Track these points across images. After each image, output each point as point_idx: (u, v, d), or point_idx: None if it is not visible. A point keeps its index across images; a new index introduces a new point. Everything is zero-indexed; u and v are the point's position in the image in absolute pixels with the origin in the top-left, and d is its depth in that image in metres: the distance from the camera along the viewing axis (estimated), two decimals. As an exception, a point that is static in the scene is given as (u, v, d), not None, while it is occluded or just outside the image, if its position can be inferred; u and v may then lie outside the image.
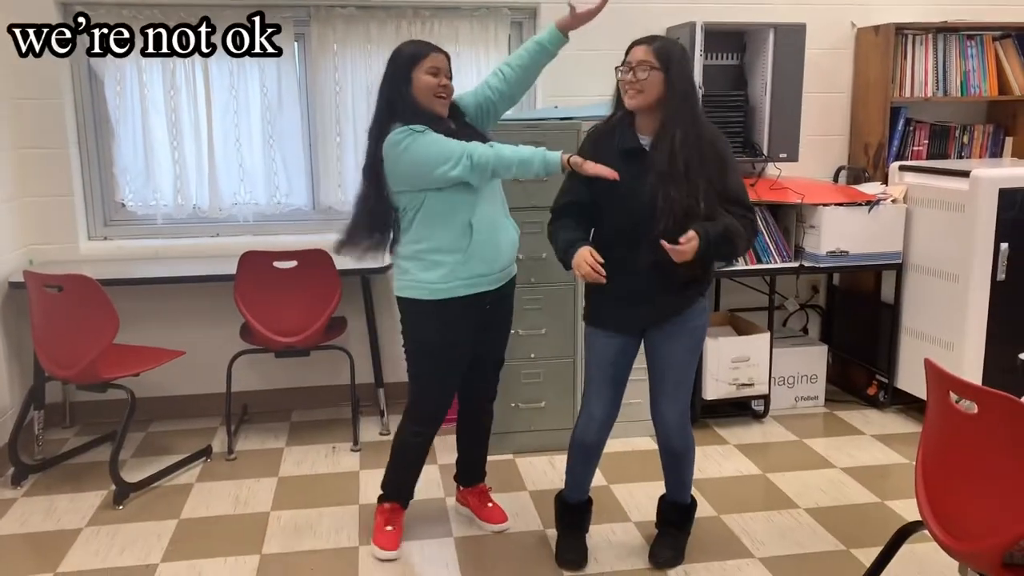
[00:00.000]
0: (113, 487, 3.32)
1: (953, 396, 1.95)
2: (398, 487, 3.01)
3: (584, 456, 2.83)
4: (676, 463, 2.81)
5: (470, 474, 3.20)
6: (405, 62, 2.71)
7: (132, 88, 4.01)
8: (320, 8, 4.06)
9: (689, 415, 2.76)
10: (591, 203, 2.66)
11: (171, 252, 4.14)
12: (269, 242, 4.12)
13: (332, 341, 3.84)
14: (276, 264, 3.65)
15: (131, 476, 3.46)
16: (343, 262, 3.69)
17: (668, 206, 2.46)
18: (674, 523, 2.91)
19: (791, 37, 4.01)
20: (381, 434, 3.98)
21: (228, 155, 4.16)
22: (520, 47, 2.94)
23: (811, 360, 4.26)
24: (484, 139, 2.79)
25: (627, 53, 2.56)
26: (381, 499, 3.02)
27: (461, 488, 3.23)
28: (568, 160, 2.58)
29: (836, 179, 4.50)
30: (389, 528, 2.96)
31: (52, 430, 4.02)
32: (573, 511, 2.92)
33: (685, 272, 2.52)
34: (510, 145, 2.65)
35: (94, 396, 3.67)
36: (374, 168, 2.71)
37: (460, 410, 3.13)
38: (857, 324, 4.42)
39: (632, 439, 3.81)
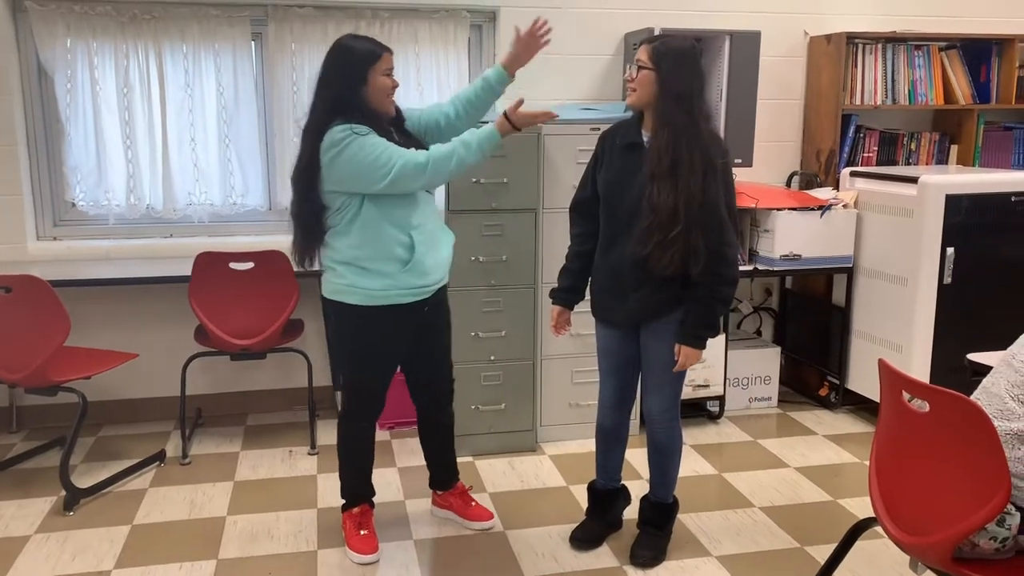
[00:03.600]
0: (63, 492, 3.24)
1: (906, 395, 2.00)
2: (358, 488, 2.99)
3: (603, 441, 2.96)
4: (660, 458, 2.87)
5: (444, 477, 3.19)
6: (361, 61, 2.67)
7: (84, 85, 3.92)
8: (278, 8, 4.02)
9: (676, 412, 2.82)
10: (594, 185, 2.78)
11: (123, 253, 4.06)
12: (224, 243, 4.05)
13: (289, 344, 3.80)
14: (232, 265, 3.60)
15: (82, 481, 3.38)
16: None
17: (650, 204, 2.52)
18: (655, 523, 2.94)
19: (746, 44, 4.08)
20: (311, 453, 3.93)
21: (183, 154, 4.09)
22: (470, 84, 2.98)
23: (765, 362, 4.34)
24: (422, 148, 2.79)
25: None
26: (346, 506, 2.99)
27: (438, 492, 3.20)
28: (506, 115, 2.64)
29: (789, 184, 4.59)
30: (363, 532, 2.94)
31: (-2, 435, 3.92)
32: (597, 496, 3.03)
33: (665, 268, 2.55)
34: (457, 139, 2.65)
35: (42, 400, 3.58)
36: (309, 171, 2.66)
37: (420, 417, 3.13)
38: (809, 327, 4.51)
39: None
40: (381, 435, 3.88)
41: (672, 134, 2.51)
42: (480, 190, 3.53)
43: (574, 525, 3.10)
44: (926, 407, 1.93)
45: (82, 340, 3.75)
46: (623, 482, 3.06)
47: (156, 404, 4.12)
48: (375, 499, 3.04)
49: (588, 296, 2.89)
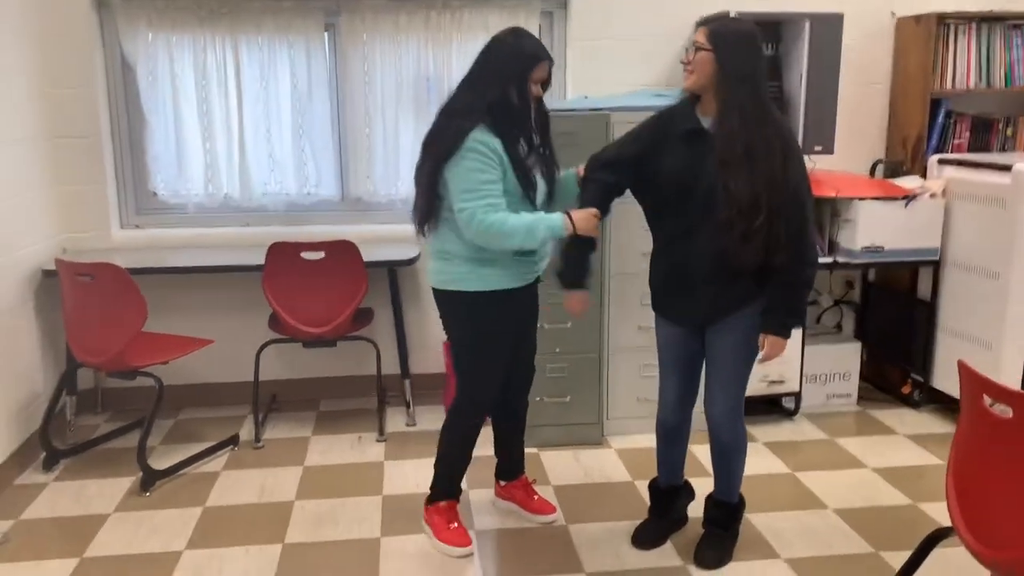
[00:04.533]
0: (141, 473, 3.35)
1: (987, 399, 1.89)
2: (451, 483, 2.97)
3: (664, 439, 2.88)
4: (724, 458, 2.77)
5: (511, 468, 3.18)
6: (524, 65, 2.61)
7: (164, 77, 4.04)
8: (350, -1, 4.05)
9: (740, 411, 2.72)
10: (629, 167, 2.65)
11: (202, 241, 4.17)
12: (298, 232, 4.11)
13: (359, 332, 3.84)
14: (304, 255, 3.66)
15: (159, 463, 3.49)
16: (368, 253, 3.72)
17: (727, 195, 2.41)
18: (720, 523, 2.85)
19: (827, 27, 3.92)
20: (407, 425, 3.97)
21: (258, 145, 4.17)
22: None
23: (844, 357, 4.18)
24: (553, 167, 2.81)
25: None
26: (432, 499, 2.97)
27: (502, 483, 3.19)
28: (571, 221, 2.59)
29: (873, 173, 4.40)
30: (454, 525, 2.93)
31: (84, 416, 4.08)
32: (659, 495, 2.96)
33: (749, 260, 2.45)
34: (522, 217, 2.59)
35: (125, 383, 3.71)
36: (450, 152, 2.58)
37: (498, 402, 3.08)
38: (892, 321, 4.32)
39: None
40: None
41: (741, 117, 2.40)
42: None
43: (637, 522, 3.04)
44: (1009, 413, 1.81)
45: (161, 326, 3.86)
46: (686, 478, 2.99)
47: (233, 389, 4.22)
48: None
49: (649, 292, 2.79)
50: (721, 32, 2.45)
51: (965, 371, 1.93)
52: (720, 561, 2.79)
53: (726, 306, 2.58)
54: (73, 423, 3.86)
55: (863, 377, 4.43)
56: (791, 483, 3.39)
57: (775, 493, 3.29)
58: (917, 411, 4.11)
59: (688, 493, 3.01)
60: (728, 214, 2.40)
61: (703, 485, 3.00)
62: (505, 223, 2.55)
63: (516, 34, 2.68)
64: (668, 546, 2.91)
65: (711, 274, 2.54)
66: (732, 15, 3.79)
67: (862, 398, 4.24)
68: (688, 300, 2.63)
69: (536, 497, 3.15)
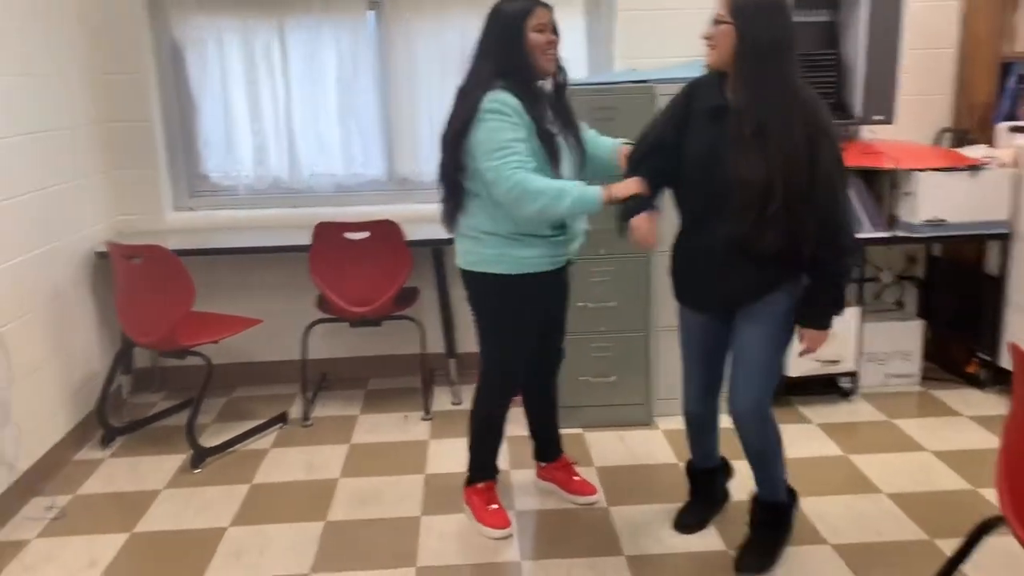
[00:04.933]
0: (191, 451, 3.43)
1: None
2: (487, 464, 2.96)
3: (692, 430, 2.78)
4: (757, 460, 2.58)
5: (549, 449, 3.15)
6: (515, 20, 2.54)
7: (213, 61, 4.09)
8: (394, -24, 4.03)
9: (766, 408, 2.50)
10: (674, 149, 2.46)
11: (253, 222, 4.22)
12: (346, 212, 4.11)
13: (404, 311, 3.84)
14: (347, 235, 3.67)
15: (211, 440, 3.57)
16: (414, 233, 3.71)
17: (736, 176, 2.27)
18: (768, 524, 2.65)
19: (888, -9, 3.73)
20: (453, 404, 3.98)
21: (306, 126, 4.20)
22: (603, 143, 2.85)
23: (905, 336, 4.01)
24: (575, 127, 2.72)
25: None
26: (470, 481, 2.96)
27: (543, 464, 3.17)
28: (609, 191, 2.48)
29: (938, 142, 4.20)
30: (494, 507, 2.91)
31: (142, 394, 4.19)
32: (696, 477, 2.88)
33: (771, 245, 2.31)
34: (560, 183, 2.50)
35: (182, 362, 3.78)
36: (462, 132, 2.54)
37: (526, 385, 3.05)
38: (958, 298, 4.13)
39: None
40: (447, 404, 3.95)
41: (755, 93, 2.24)
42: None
43: (680, 504, 2.98)
44: (1060, 397, 1.70)
45: (212, 306, 3.93)
46: (723, 456, 2.90)
47: (285, 367, 4.27)
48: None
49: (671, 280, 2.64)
50: (742, 2, 2.26)
51: (1018, 354, 1.82)
52: (763, 566, 2.61)
53: (746, 293, 2.42)
54: (129, 401, 3.97)
55: (927, 356, 4.26)
56: (844, 466, 3.27)
57: (826, 476, 3.19)
58: (983, 391, 3.94)
59: (726, 471, 2.93)
60: (741, 198, 2.26)
61: (743, 465, 2.91)
62: (534, 181, 2.45)
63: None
64: (711, 530, 2.84)
65: (729, 259, 2.38)
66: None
67: (925, 378, 4.07)
68: (706, 286, 2.50)
69: (576, 478, 3.11)
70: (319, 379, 4.25)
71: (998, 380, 3.92)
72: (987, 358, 3.92)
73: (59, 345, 3.49)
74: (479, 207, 2.62)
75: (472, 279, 2.71)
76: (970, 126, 4.07)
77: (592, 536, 2.84)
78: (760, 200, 2.24)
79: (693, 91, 2.48)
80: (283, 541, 2.85)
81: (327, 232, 3.65)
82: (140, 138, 4.07)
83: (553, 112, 2.66)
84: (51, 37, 3.56)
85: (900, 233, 3.75)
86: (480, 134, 2.50)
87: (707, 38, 2.35)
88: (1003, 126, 3.84)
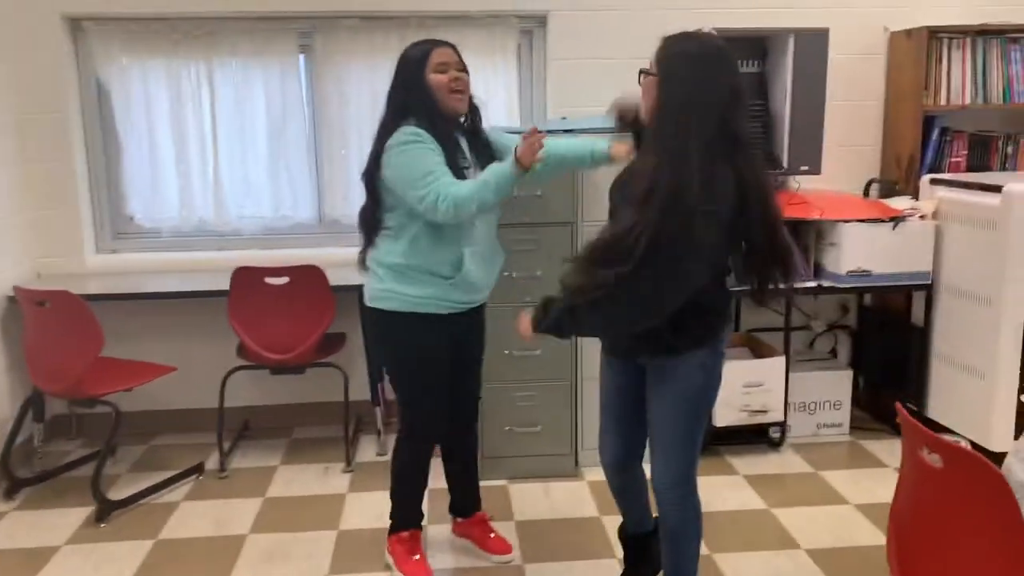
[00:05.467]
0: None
1: (924, 450, 1.74)
2: (408, 512, 2.89)
3: (614, 492, 2.58)
4: (670, 543, 2.38)
5: (466, 503, 3.08)
6: (414, 65, 2.58)
7: (138, 101, 4.02)
8: (324, 20, 4.00)
9: (687, 484, 2.31)
10: None
11: (177, 266, 4.13)
12: (274, 256, 4.03)
13: (328, 358, 3.76)
14: (268, 280, 3.59)
15: (123, 491, 3.45)
16: (344, 277, 3.64)
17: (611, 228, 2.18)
18: None
19: (813, 43, 3.78)
20: (378, 454, 3.88)
21: (233, 168, 4.13)
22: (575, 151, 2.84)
23: (834, 385, 4.01)
24: (494, 158, 2.68)
25: None
26: (394, 528, 2.89)
27: (459, 520, 3.09)
28: (516, 155, 2.39)
29: (867, 193, 4.24)
30: (416, 557, 2.85)
31: (58, 442, 4.04)
32: (630, 544, 2.68)
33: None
34: (487, 172, 2.48)
35: (97, 410, 3.65)
36: (373, 168, 2.57)
37: (443, 435, 2.97)
38: (887, 348, 4.14)
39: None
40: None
41: (656, 154, 2.07)
42: (514, 203, 3.36)
43: (599, 561, 2.92)
44: (940, 463, 1.67)
45: (132, 351, 3.82)
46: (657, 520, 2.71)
47: (208, 415, 4.11)
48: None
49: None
50: (668, 52, 2.12)
51: (903, 416, 1.79)
52: None
53: (643, 347, 2.25)
54: (43, 450, 3.83)
55: (860, 406, 4.27)
56: (766, 520, 3.23)
57: (746, 530, 3.14)
58: (912, 442, 3.92)
59: (650, 537, 2.70)
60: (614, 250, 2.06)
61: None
62: (459, 190, 2.42)
63: (412, 44, 2.65)
64: (624, 589, 2.77)
65: None
66: (707, 31, 3.69)
67: (855, 428, 4.06)
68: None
69: (493, 535, 3.03)
70: (241, 427, 4.14)
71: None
72: (914, 408, 3.92)
73: (-38, 393, 3.37)
74: (382, 239, 2.63)
75: (369, 315, 2.70)
76: (897, 177, 4.12)
77: (503, 596, 2.76)
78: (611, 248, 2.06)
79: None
80: (180, 602, 2.74)
81: (246, 277, 3.58)
82: (62, 179, 3.98)
83: (473, 153, 2.65)
84: (-35, 76, 3.48)
85: (825, 283, 3.75)
86: (400, 168, 2.49)
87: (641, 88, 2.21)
88: (925, 178, 3.88)
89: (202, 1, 3.87)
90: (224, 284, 3.65)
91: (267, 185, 4.16)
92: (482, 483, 3.41)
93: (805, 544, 3.03)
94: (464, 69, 2.62)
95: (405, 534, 2.87)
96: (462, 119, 2.67)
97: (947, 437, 1.77)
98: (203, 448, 3.95)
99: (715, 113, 2.05)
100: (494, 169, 2.47)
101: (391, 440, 3.83)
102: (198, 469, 3.69)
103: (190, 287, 3.80)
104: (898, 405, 1.82)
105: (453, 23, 4.05)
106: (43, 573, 2.92)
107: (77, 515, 3.33)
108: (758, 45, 3.99)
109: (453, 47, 2.62)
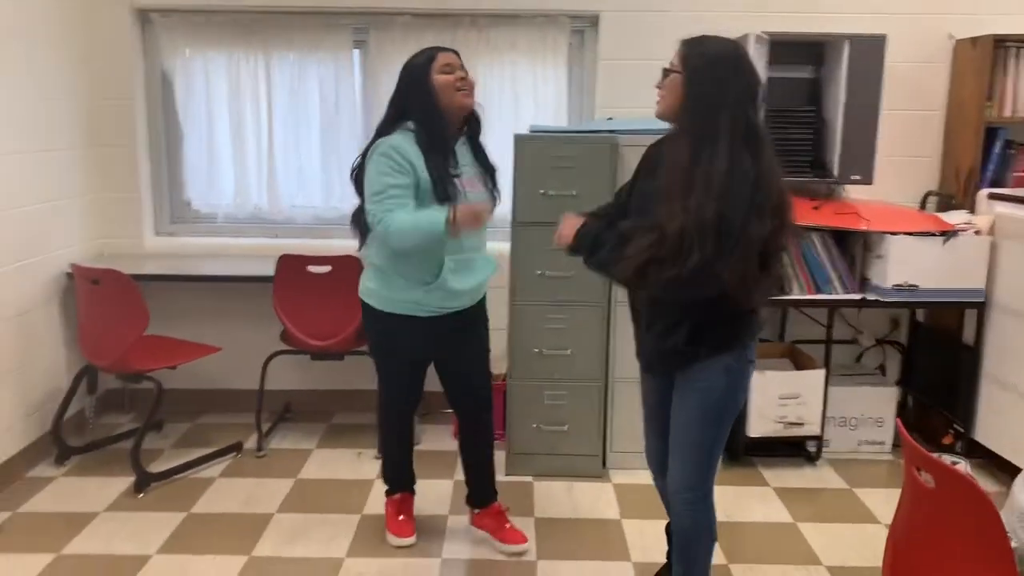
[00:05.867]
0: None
1: (916, 471, 1.70)
2: (396, 475, 3.12)
3: (658, 486, 2.58)
4: (682, 546, 2.41)
5: (480, 494, 3.12)
6: (419, 69, 2.69)
7: (199, 91, 4.17)
8: (379, 16, 4.08)
9: (702, 492, 2.33)
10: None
11: (230, 251, 4.27)
12: (322, 246, 4.13)
13: (366, 346, 3.83)
14: (310, 268, 3.69)
15: (165, 465, 3.59)
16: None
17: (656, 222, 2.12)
18: None
19: (869, 49, 3.68)
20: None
21: (287, 158, 4.25)
22: None
23: (878, 402, 3.89)
24: (491, 173, 2.84)
25: None
26: (388, 492, 3.12)
27: (475, 511, 3.14)
28: (453, 216, 2.54)
29: (924, 206, 4.10)
30: (401, 517, 3.08)
31: (111, 415, 4.23)
32: (671, 539, 2.63)
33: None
34: (419, 215, 2.58)
35: (149, 385, 3.79)
36: (358, 172, 2.74)
37: (459, 427, 3.09)
38: (938, 366, 4.00)
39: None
40: (448, 445, 3.86)
41: (691, 150, 2.09)
42: (547, 203, 3.39)
43: (613, 563, 2.91)
44: (932, 483, 1.62)
45: (182, 331, 3.96)
46: None
47: (253, 396, 4.27)
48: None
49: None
50: (696, 50, 2.17)
51: (901, 433, 1.75)
52: None
53: (665, 358, 2.29)
54: (92, 422, 4.00)
55: (908, 425, 4.12)
56: (790, 534, 3.16)
57: (769, 544, 3.08)
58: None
59: None
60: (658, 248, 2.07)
61: (644, 526, 2.82)
62: (397, 223, 2.56)
63: (417, 51, 2.74)
64: (635, 592, 2.76)
65: (647, 321, 2.31)
66: (754, 36, 3.63)
67: (899, 446, 3.92)
68: (639, 342, 2.40)
69: (508, 526, 3.06)
70: (282, 410, 4.25)
71: (973, 453, 3.76)
72: (962, 430, 3.78)
73: (20, 361, 3.55)
74: (372, 239, 2.76)
75: (362, 307, 2.85)
76: (955, 191, 3.98)
77: (511, 590, 2.78)
78: (668, 247, 2.06)
79: (655, 147, 2.39)
80: (201, 573, 2.84)
81: (290, 264, 3.68)
82: (125, 163, 4.16)
83: (475, 159, 2.75)
84: (43, 63, 3.67)
85: (870, 297, 3.65)
86: (368, 175, 2.64)
87: (658, 88, 2.25)
88: (982, 192, 3.74)
89: (262, -5, 4.00)
90: (272, 271, 3.76)
91: (319, 176, 4.27)
92: (507, 478, 3.48)
93: (827, 561, 2.97)
94: (465, 73, 2.71)
95: (396, 496, 3.10)
96: (462, 127, 2.77)
97: (947, 457, 1.72)
98: (245, 428, 4.07)
99: (741, 110, 2.12)
100: (430, 218, 2.56)
101: (427, 429, 3.96)
102: (236, 447, 3.81)
103: (240, 272, 3.92)
104: (898, 421, 1.77)
105: (505, 22, 4.08)
106: (80, 536, 3.07)
107: (119, 484, 3.48)
108: (814, 50, 3.91)
109: (457, 53, 2.72)
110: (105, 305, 3.43)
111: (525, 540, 3.02)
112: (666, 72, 2.23)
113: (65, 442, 3.67)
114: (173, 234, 4.36)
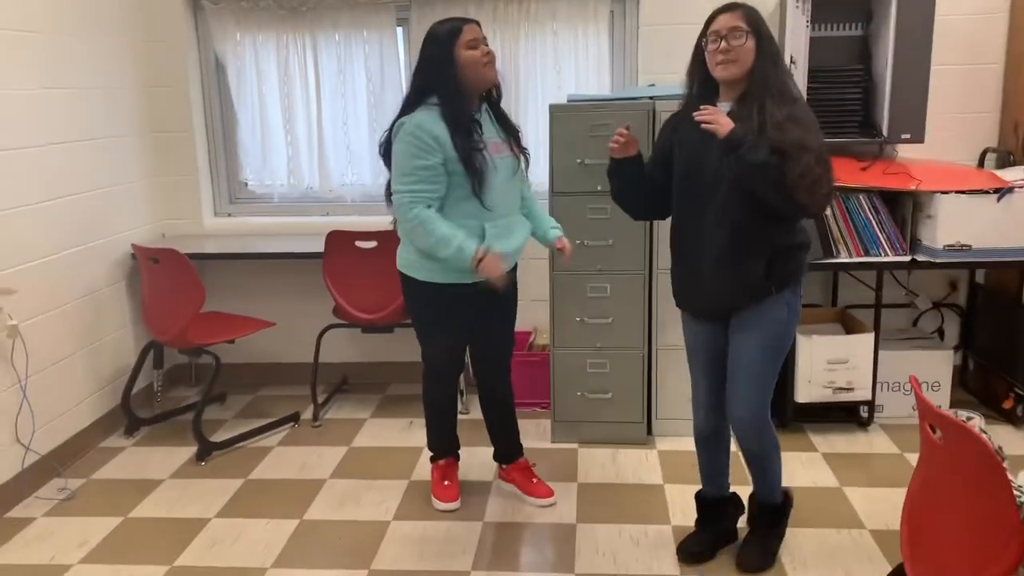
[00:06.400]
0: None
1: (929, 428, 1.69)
2: (439, 442, 3.20)
3: (703, 447, 2.76)
4: (755, 465, 2.67)
5: (507, 451, 3.24)
6: (443, 42, 2.71)
7: (251, 75, 4.30)
8: (420, -8, 4.13)
9: (767, 416, 2.57)
10: (662, 168, 2.61)
11: (286, 229, 4.41)
12: (374, 222, 4.18)
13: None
14: (358, 244, 3.79)
15: (226, 435, 3.76)
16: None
17: (784, 158, 2.27)
18: (765, 522, 2.74)
19: (918, 2, 3.56)
20: (460, 412, 3.99)
21: (336, 138, 4.36)
22: (539, 216, 3.05)
23: (933, 365, 3.80)
24: (515, 137, 2.86)
25: (709, 24, 2.44)
26: (433, 458, 3.21)
27: (503, 466, 3.26)
28: (478, 260, 2.66)
29: (982, 163, 3.97)
30: (446, 483, 3.16)
31: (179, 388, 4.44)
32: (705, 506, 2.83)
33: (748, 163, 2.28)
34: (455, 233, 2.68)
35: (209, 359, 3.97)
36: (386, 149, 2.80)
37: (480, 389, 3.20)
38: (997, 328, 3.89)
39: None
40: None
41: (773, 101, 2.32)
42: (585, 172, 3.41)
43: (652, 526, 2.95)
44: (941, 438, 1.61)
45: (240, 307, 4.13)
46: (733, 489, 2.83)
47: (310, 369, 4.43)
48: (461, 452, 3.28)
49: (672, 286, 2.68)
50: (755, 15, 2.40)
51: (916, 392, 1.73)
52: (763, 563, 2.68)
53: (738, 295, 2.46)
54: (160, 394, 4.21)
55: (968, 389, 4.05)
56: (834, 498, 3.14)
57: (813, 507, 3.06)
58: (1017, 429, 3.69)
59: (736, 506, 2.83)
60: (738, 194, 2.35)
61: (685, 491, 2.84)
62: (428, 222, 2.66)
63: (438, 22, 2.77)
64: (668, 553, 2.79)
65: (719, 259, 2.43)
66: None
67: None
68: (701, 289, 2.53)
69: (535, 480, 3.17)
70: (340, 381, 4.39)
71: (1034, 417, 3.66)
72: (1022, 393, 3.67)
73: (90, 338, 3.76)
74: None
75: (401, 279, 2.92)
76: (1014, 147, 3.83)
77: (548, 552, 2.84)
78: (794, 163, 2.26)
79: (675, 119, 2.61)
80: (256, 535, 2.98)
81: (338, 240, 3.79)
82: (183, 147, 4.33)
83: (501, 127, 2.80)
84: (100, 52, 3.85)
85: (920, 257, 3.56)
86: (396, 155, 2.69)
87: (728, 51, 2.36)
88: (1043, 147, 3.61)
89: (306, -22, 4.09)
90: (320, 247, 3.88)
91: (368, 154, 4.36)
92: (553, 445, 3.56)
93: (870, 525, 2.94)
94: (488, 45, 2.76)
95: (442, 462, 3.18)
96: (483, 96, 2.81)
97: (962, 413, 1.70)
98: (304, 400, 4.20)
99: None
100: (460, 246, 2.67)
101: (474, 399, 4.02)
102: (294, 418, 3.96)
103: (294, 249, 4.05)
104: (912, 378, 1.76)
105: (545, -8, 4.08)
106: (145, 502, 3.25)
107: (183, 454, 3.66)
108: (863, 7, 3.80)
109: (478, 23, 2.75)
110: (165, 283, 3.60)
111: (551, 494, 3.13)
112: (735, 35, 2.35)
113: (134, 414, 3.88)
114: (232, 214, 4.53)
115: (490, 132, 2.79)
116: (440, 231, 2.66)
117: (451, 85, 2.68)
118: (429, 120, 2.66)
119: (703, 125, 2.31)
